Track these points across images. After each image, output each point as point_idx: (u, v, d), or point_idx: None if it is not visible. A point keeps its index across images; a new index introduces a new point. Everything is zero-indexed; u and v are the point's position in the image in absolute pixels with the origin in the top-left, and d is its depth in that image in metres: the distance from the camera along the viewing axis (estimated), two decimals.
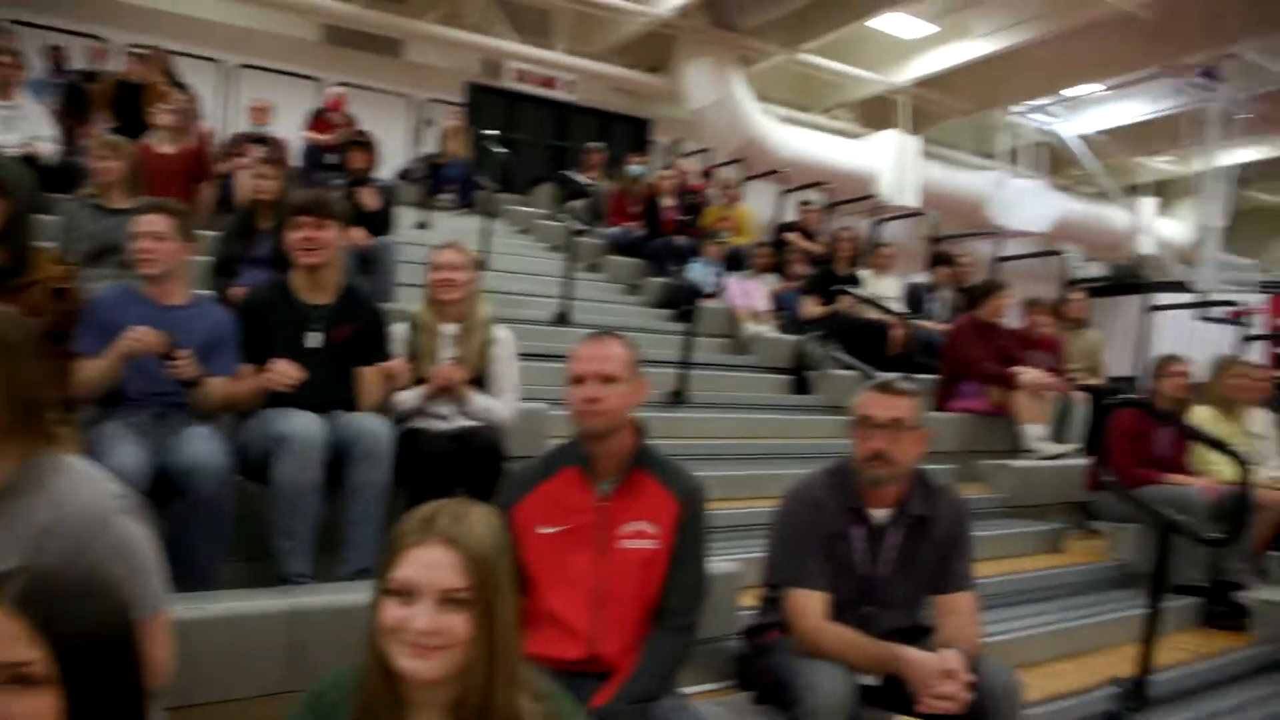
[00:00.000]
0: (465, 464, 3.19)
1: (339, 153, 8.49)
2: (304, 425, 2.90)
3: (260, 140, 6.91)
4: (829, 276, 6.96)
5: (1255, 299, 12.75)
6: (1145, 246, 17.28)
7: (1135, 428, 4.47)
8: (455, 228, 8.57)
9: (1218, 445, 3.66)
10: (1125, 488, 3.82)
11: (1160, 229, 17.52)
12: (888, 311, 6.15)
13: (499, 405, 3.48)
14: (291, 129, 8.69)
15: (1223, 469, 4.69)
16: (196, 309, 3.13)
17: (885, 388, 2.56)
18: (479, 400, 3.41)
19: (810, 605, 2.47)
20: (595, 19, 13.04)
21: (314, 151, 8.62)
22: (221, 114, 10.35)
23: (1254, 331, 9.62)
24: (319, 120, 8.95)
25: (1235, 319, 11.49)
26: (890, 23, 13.70)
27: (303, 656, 2.48)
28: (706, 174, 10.27)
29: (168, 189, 4.65)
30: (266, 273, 4.36)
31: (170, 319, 2.99)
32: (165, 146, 5.77)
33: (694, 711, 2.24)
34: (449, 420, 3.39)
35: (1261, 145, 16.95)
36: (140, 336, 2.80)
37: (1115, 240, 17.29)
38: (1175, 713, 3.57)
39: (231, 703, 2.34)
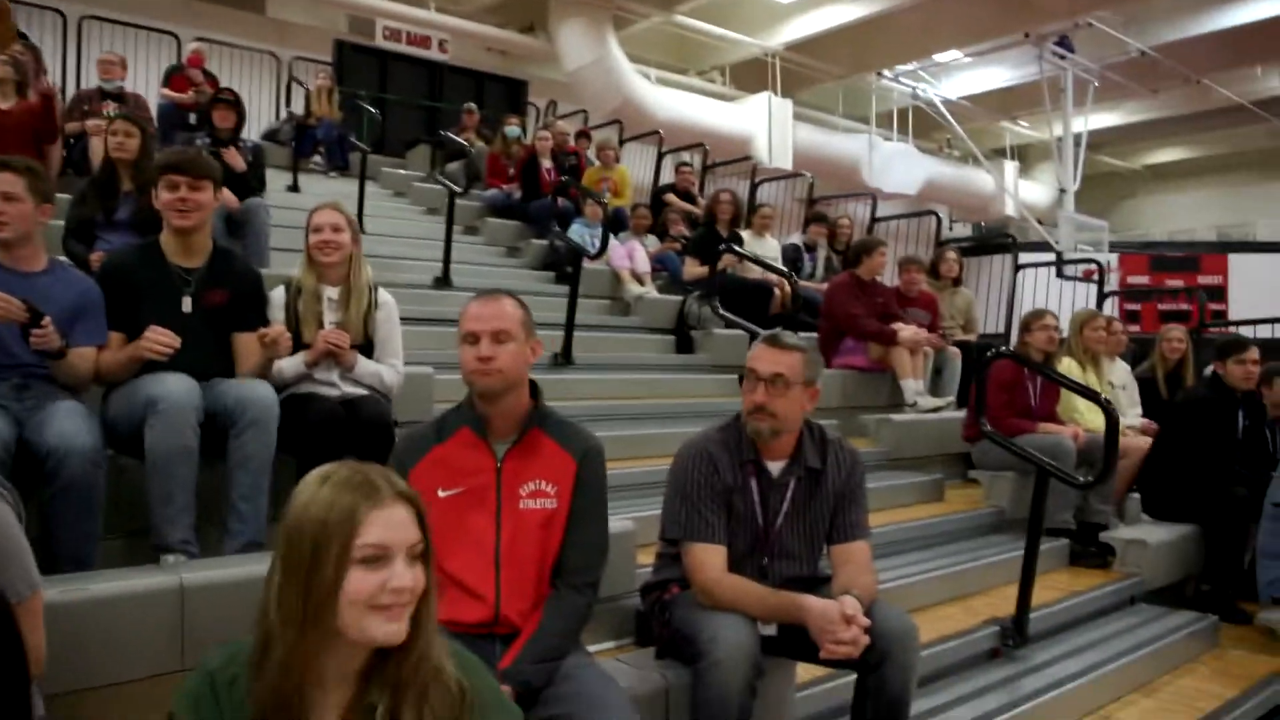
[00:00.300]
0: (353, 432, 3.07)
1: (199, 112, 8.14)
2: (175, 387, 2.73)
3: (115, 97, 6.47)
4: (711, 237, 6.98)
5: (1106, 258, 13.40)
6: (1008, 208, 18.01)
7: (1010, 379, 4.65)
8: (327, 190, 8.28)
9: (1087, 394, 3.81)
10: (1003, 437, 3.95)
11: (1021, 191, 18.27)
12: (775, 270, 6.21)
13: (386, 370, 3.37)
14: (146, 88, 8.22)
15: (1087, 417, 4.96)
16: (57, 275, 2.90)
17: (773, 341, 2.55)
18: (366, 365, 3.29)
19: (709, 558, 2.47)
20: None
21: (172, 111, 8.18)
22: (64, 70, 9.70)
23: (1109, 289, 10.10)
24: (176, 78, 8.49)
25: (1089, 277, 12.13)
26: None
27: (192, 634, 2.36)
28: (584, 135, 10.17)
29: (8, 148, 4.30)
30: (128, 237, 4.12)
31: (29, 286, 2.77)
32: (2, 103, 5.36)
33: (599, 669, 2.21)
34: (335, 388, 3.26)
35: (1112, 112, 17.88)
36: None
37: (980, 202, 17.99)
38: (1052, 646, 3.74)
39: (121, 685, 2.21)
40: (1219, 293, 14.72)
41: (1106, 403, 3.50)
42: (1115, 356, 5.76)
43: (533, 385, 2.31)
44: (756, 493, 2.55)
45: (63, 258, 3.71)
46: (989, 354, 4.14)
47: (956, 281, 7.04)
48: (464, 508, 2.20)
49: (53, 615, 1.87)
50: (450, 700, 1.40)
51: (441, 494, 2.19)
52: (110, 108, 6.24)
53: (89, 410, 2.75)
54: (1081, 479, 4.00)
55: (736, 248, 6.36)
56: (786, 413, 2.49)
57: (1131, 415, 5.59)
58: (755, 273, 6.71)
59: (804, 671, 2.81)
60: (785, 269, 5.96)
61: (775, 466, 2.56)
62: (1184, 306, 14.00)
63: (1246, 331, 7.28)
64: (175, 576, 2.39)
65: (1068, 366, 5.10)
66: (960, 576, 4.11)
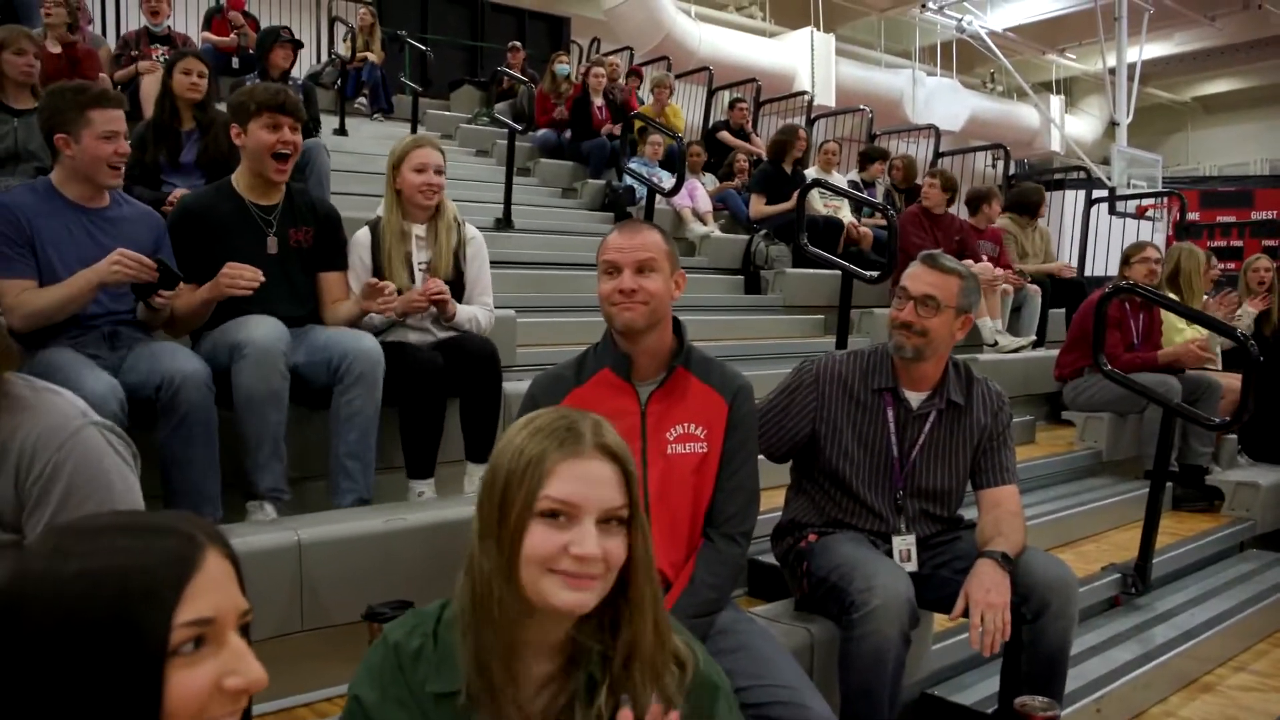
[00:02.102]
0: (458, 375, 2.93)
1: (242, 55, 7.94)
2: (262, 330, 2.61)
3: (163, 39, 6.27)
4: (778, 175, 6.75)
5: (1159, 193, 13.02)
6: (1053, 143, 17.55)
7: (1116, 316, 4.44)
8: (376, 134, 8.11)
9: (1225, 330, 3.59)
10: (1123, 375, 3.75)
11: (1067, 126, 17.78)
12: (875, 206, 6.02)
13: (481, 312, 3.21)
14: (185, 30, 8.00)
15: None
16: (124, 209, 2.75)
17: (930, 261, 2.39)
18: (464, 311, 3.13)
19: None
20: None
21: (212, 55, 7.97)
22: (104, 12, 9.48)
23: (1173, 224, 9.81)
24: (217, 21, 8.25)
25: (1143, 214, 11.78)
26: None
27: (311, 592, 2.26)
28: (635, 74, 9.89)
29: None
30: (196, 180, 3.99)
31: (109, 224, 2.63)
32: (53, 46, 5.19)
33: (758, 624, 2.08)
34: (428, 333, 3.11)
35: (1163, 42, 17.27)
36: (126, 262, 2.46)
37: (1025, 137, 17.50)
38: (1172, 594, 3.61)
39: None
40: (1275, 227, 14.34)
41: (1244, 337, 3.30)
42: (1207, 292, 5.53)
43: (676, 322, 2.14)
44: (893, 422, 2.40)
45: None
46: (1109, 290, 3.90)
47: (1039, 216, 6.75)
48: None
49: None
50: (676, 679, 1.25)
51: None
52: (159, 52, 6.06)
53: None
54: (1215, 419, 3.79)
55: (830, 183, 6.14)
56: (935, 334, 2.33)
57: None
58: (822, 209, 6.52)
59: (938, 621, 2.67)
60: (883, 204, 5.71)
61: (915, 397, 2.40)
62: (1236, 243, 13.65)
63: None
64: (293, 534, 2.29)
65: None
66: (1066, 522, 3.94)
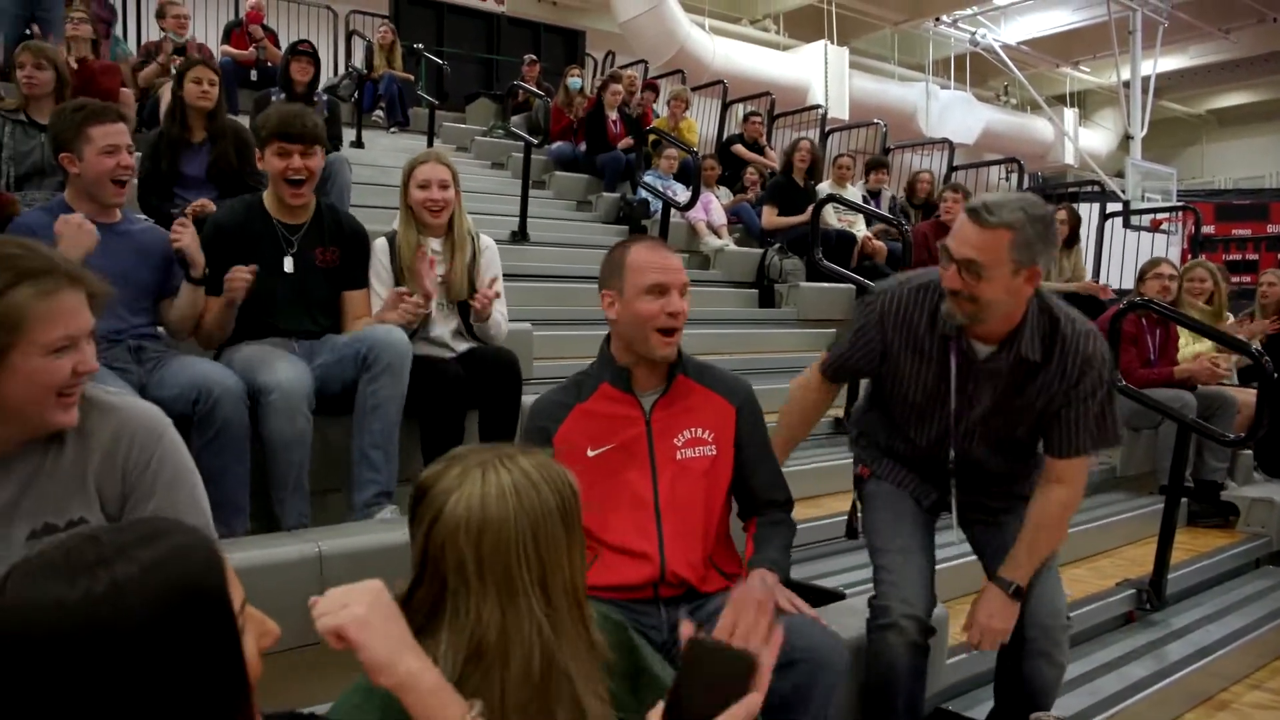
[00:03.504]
0: (482, 385, 2.97)
1: (261, 68, 8.03)
2: (287, 374, 2.64)
3: (181, 51, 6.36)
4: (790, 188, 6.78)
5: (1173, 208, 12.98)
6: (1067, 156, 17.53)
7: (1132, 331, 4.45)
8: (392, 146, 8.17)
9: (1239, 346, 3.59)
10: (1138, 392, 3.76)
11: (1081, 139, 17.76)
12: (886, 220, 6.03)
13: (502, 320, 3.26)
14: (205, 42, 8.09)
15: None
16: (135, 224, 2.85)
17: (973, 214, 2.01)
18: (496, 311, 3.20)
19: (814, 378, 2.40)
20: None
21: (231, 68, 8.06)
22: (124, 22, 9.59)
23: (1188, 237, 9.79)
24: (236, 34, 8.35)
25: (1156, 227, 11.75)
26: None
27: None
28: (650, 87, 9.95)
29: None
30: (205, 192, 4.04)
31: (120, 239, 2.70)
32: (71, 61, 5.25)
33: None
34: (448, 349, 3.15)
35: (1177, 55, 17.27)
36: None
37: (1039, 150, 17.49)
38: (1187, 611, 3.59)
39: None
40: None
41: (1259, 353, 3.30)
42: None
43: None
44: (955, 374, 2.15)
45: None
46: (1124, 305, 3.92)
47: (1070, 241, 6.21)
48: (616, 465, 2.06)
49: None
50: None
51: (590, 453, 2.06)
52: (179, 62, 6.13)
53: None
54: (1230, 436, 3.79)
55: (843, 199, 6.15)
56: (989, 299, 2.00)
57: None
58: (835, 223, 6.54)
59: (953, 635, 2.68)
60: (895, 218, 5.73)
61: (983, 349, 2.13)
62: (1252, 256, 13.59)
63: None
64: (314, 545, 2.32)
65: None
66: (1082, 537, 3.94)
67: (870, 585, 2.30)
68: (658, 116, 8.91)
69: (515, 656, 1.06)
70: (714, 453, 2.09)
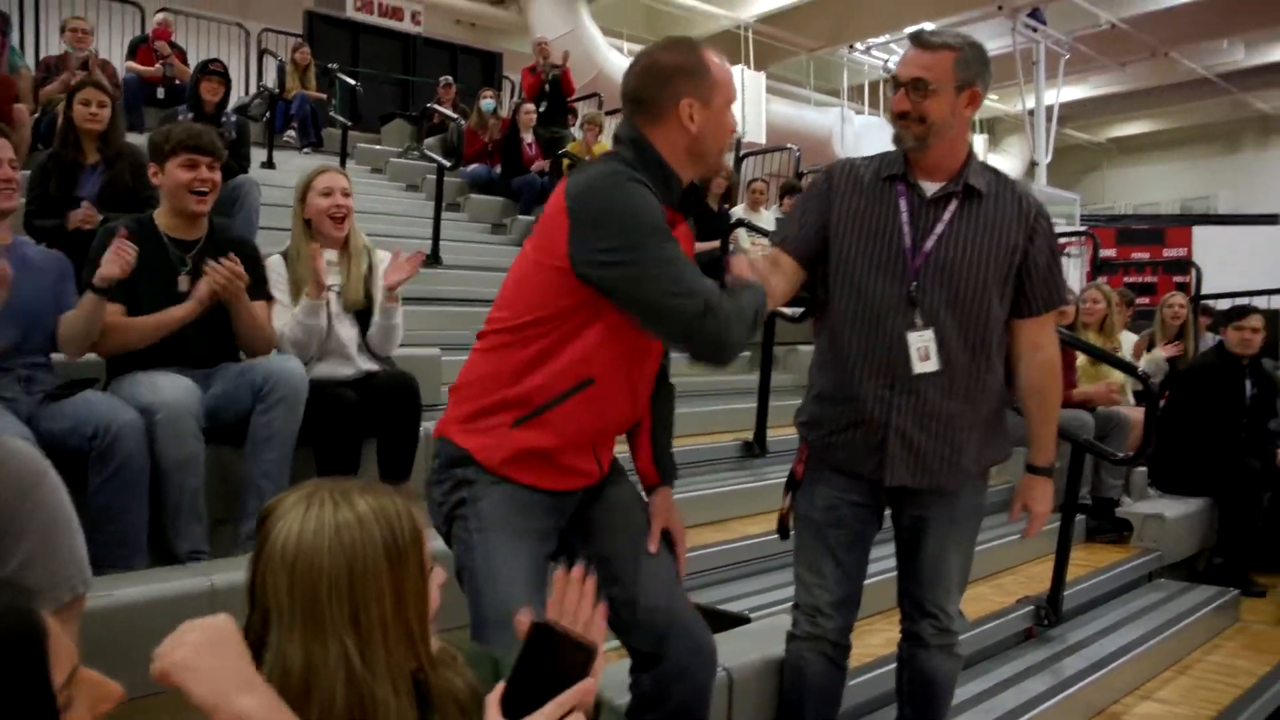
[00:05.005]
0: (381, 412, 2.93)
1: (168, 85, 7.86)
2: (172, 391, 2.57)
3: (83, 66, 6.18)
4: (704, 213, 6.85)
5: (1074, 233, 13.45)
6: None
7: None
8: (305, 167, 7.99)
9: (1126, 368, 3.74)
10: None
11: (992, 164, 18.28)
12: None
13: (401, 325, 3.25)
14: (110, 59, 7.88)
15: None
16: (31, 250, 2.73)
17: (915, 39, 2.09)
18: (398, 314, 3.18)
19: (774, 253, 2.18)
20: None
21: (137, 84, 7.89)
22: (22, 36, 9.29)
23: (1088, 260, 10.15)
24: (142, 50, 8.17)
25: (1063, 250, 12.17)
26: None
27: None
28: (569, 110, 9.97)
29: None
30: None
31: (16, 263, 2.57)
32: None
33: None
34: (351, 364, 3.10)
35: (1079, 85, 17.96)
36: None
37: None
38: (1083, 625, 3.69)
39: (150, 698, 2.05)
40: (1185, 264, 14.87)
41: (1145, 376, 3.43)
42: (1123, 328, 5.73)
43: None
44: (906, 211, 2.11)
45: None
46: None
47: None
48: None
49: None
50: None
51: None
52: (79, 78, 5.96)
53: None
54: (1120, 454, 3.92)
55: (755, 223, 6.23)
56: (935, 117, 2.03)
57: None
58: (749, 247, 6.62)
59: (856, 657, 2.71)
60: None
61: (930, 185, 2.11)
62: (1150, 279, 14.15)
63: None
64: (206, 579, 2.25)
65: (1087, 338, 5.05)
66: (985, 554, 3.98)
67: (778, 609, 2.32)
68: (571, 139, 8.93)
69: (317, 696, 1.03)
70: None
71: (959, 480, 2.12)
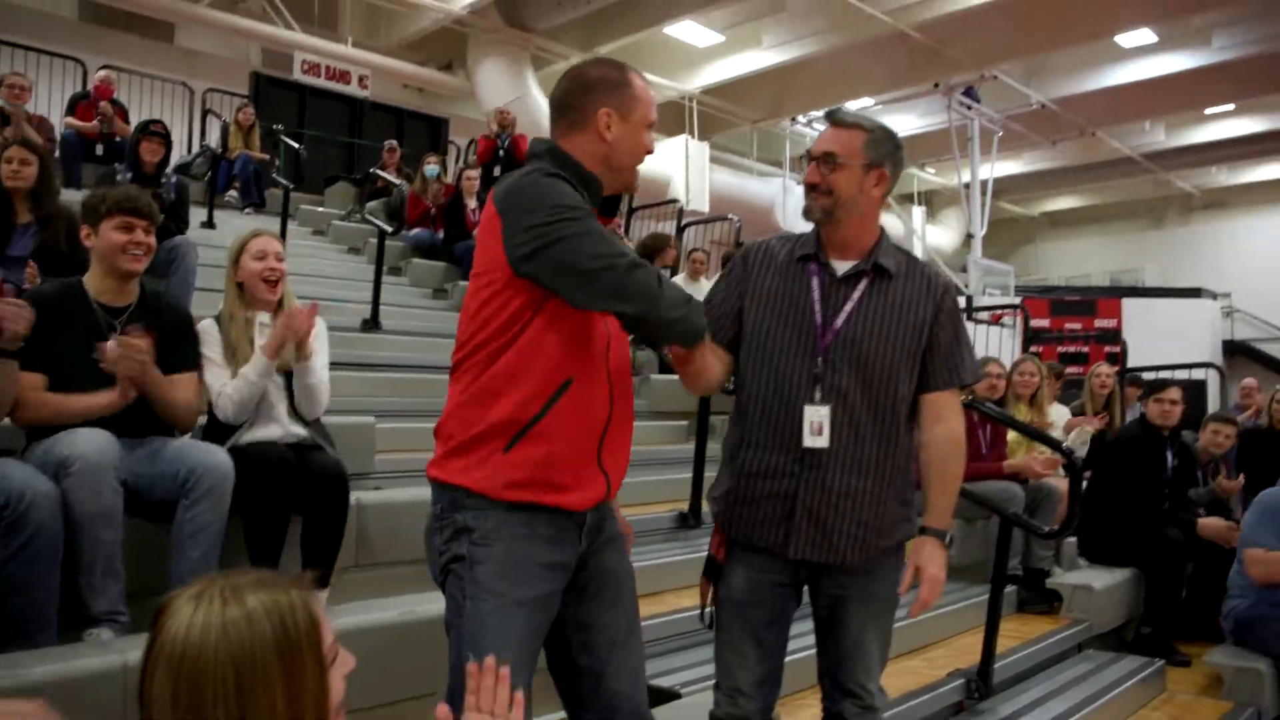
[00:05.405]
0: (305, 490, 2.88)
1: (106, 142, 7.79)
2: (89, 444, 2.51)
3: (6, 122, 6.11)
4: None
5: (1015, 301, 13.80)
6: (916, 252, 18.42)
7: (966, 426, 4.65)
8: (245, 228, 7.93)
9: (1050, 442, 3.83)
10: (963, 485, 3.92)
11: (928, 236, 18.76)
12: None
13: (325, 383, 3.20)
14: (49, 116, 7.83)
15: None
16: None
17: (830, 116, 2.22)
18: (317, 361, 3.13)
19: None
20: (385, 12, 12.54)
21: (75, 141, 7.82)
22: None
23: (1021, 331, 10.39)
24: (82, 106, 8.11)
25: (997, 320, 12.47)
26: (683, 30, 13.95)
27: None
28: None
29: None
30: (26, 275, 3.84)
31: None
32: None
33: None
34: (279, 425, 3.06)
35: (1014, 160, 18.57)
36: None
37: None
38: (1014, 698, 3.71)
39: None
40: (1114, 335, 15.31)
41: (1069, 451, 3.51)
42: (1052, 399, 5.86)
43: None
44: (817, 289, 2.16)
45: None
46: None
47: None
48: None
49: None
50: None
51: None
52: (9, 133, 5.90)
53: None
54: (1046, 528, 3.99)
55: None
56: (842, 191, 2.11)
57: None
58: None
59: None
60: None
61: (841, 265, 2.18)
62: (1083, 349, 14.53)
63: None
64: (120, 656, 2.18)
65: (1015, 411, 5.16)
66: (917, 627, 4.01)
67: (710, 684, 2.30)
68: None
69: None
70: None
71: (869, 556, 2.15)
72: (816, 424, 2.10)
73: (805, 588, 2.26)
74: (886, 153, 2.16)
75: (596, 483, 1.90)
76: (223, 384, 2.99)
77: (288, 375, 3.11)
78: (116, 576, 2.52)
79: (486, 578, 1.78)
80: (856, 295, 2.15)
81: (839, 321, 2.13)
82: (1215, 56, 13.83)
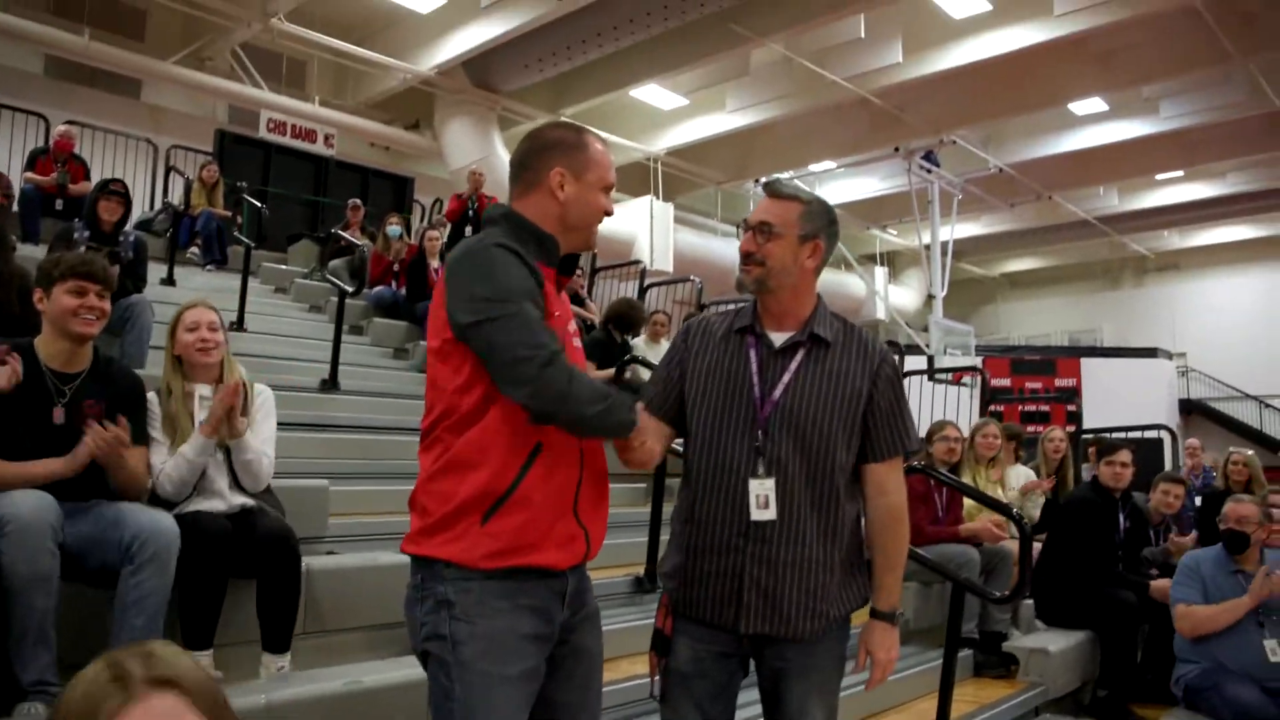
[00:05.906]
0: (252, 556, 2.84)
1: (63, 197, 7.76)
2: (26, 504, 2.47)
3: None
4: (609, 342, 6.94)
5: (975, 361, 13.97)
6: (878, 312, 18.68)
7: (922, 491, 4.68)
8: (205, 285, 7.94)
9: (1001, 508, 3.86)
10: (918, 551, 3.94)
11: (891, 296, 19.01)
12: None
13: (265, 459, 3.14)
14: (9, 171, 7.79)
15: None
16: None
17: (767, 187, 2.26)
18: (253, 438, 3.09)
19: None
20: (353, 72, 12.66)
21: (35, 195, 7.79)
22: None
23: (980, 392, 10.50)
24: (42, 161, 8.10)
25: (958, 381, 12.61)
26: (648, 93, 14.18)
27: None
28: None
29: None
30: None
31: None
32: None
33: None
34: (221, 499, 3.02)
35: (973, 222, 18.95)
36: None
37: (852, 305, 18.58)
38: None
39: None
40: (1073, 394, 15.54)
41: (1019, 517, 3.54)
42: (1015, 461, 5.92)
43: None
44: (755, 361, 2.18)
45: None
46: (908, 467, 4.14)
47: None
48: None
49: None
50: None
51: None
52: None
53: None
54: (998, 594, 4.00)
55: (646, 360, 6.27)
56: (775, 262, 2.14)
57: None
58: (645, 376, 6.70)
59: None
60: None
61: (778, 336, 2.19)
62: (1044, 408, 14.72)
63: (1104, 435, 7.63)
64: None
65: (969, 477, 5.19)
66: (873, 693, 3.97)
67: None
68: None
69: None
70: None
71: (819, 626, 2.14)
72: (762, 497, 2.11)
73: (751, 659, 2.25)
74: (821, 226, 2.19)
75: (576, 541, 1.91)
76: (162, 461, 2.95)
77: (228, 450, 3.08)
78: (48, 645, 2.45)
79: (471, 657, 1.79)
80: (794, 366, 2.16)
81: (777, 393, 2.14)
82: (1163, 125, 14.30)
